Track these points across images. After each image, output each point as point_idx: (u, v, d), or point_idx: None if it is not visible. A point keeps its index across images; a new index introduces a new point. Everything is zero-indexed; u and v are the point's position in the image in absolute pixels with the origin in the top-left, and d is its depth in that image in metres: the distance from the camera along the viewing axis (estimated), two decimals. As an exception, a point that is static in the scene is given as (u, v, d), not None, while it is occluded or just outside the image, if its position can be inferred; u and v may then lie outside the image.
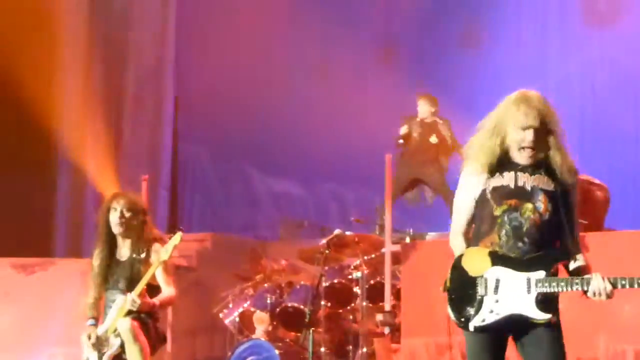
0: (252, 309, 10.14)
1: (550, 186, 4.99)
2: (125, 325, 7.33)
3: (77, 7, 14.14)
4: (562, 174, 4.98)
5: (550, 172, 5.00)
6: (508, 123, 4.96)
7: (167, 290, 7.52)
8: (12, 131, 12.67)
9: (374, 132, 13.02)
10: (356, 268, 10.00)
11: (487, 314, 4.87)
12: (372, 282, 10.01)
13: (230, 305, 10.34)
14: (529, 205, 4.94)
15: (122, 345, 7.42)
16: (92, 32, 14.26)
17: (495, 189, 5.00)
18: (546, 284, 4.84)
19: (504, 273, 4.88)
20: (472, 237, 5.06)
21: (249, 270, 10.69)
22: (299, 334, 9.90)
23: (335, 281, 10.05)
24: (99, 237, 7.74)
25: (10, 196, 12.53)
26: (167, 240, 7.58)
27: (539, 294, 4.84)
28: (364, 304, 9.76)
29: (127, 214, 7.58)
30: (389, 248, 9.62)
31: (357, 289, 9.86)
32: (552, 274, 4.90)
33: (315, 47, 14.75)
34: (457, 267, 4.96)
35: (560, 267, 5.02)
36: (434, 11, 14.81)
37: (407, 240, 10.37)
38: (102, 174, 12.90)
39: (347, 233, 9.93)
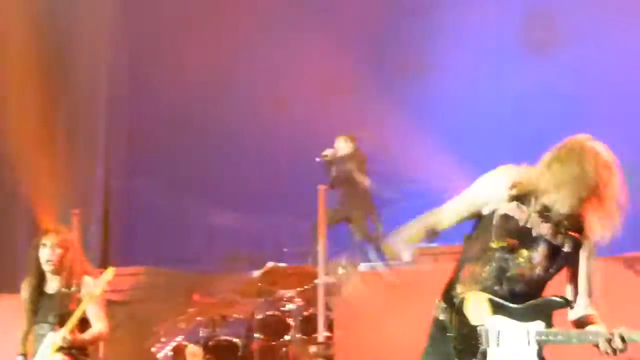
0: (185, 343, 10.09)
1: (557, 240, 4.68)
2: (55, 363, 7.27)
3: (18, 29, 14.00)
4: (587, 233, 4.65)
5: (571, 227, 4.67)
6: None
7: (98, 326, 7.47)
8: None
9: (307, 161, 13.07)
10: (290, 300, 10.00)
11: None
12: (305, 313, 10.00)
13: (163, 340, 10.27)
14: (524, 253, 4.66)
15: (53, 384, 7.34)
16: (30, 60, 14.10)
17: (505, 217, 4.66)
18: (544, 336, 4.60)
19: (504, 324, 4.66)
20: (463, 256, 4.80)
21: (182, 304, 10.62)
22: (232, 367, 9.88)
23: (269, 313, 10.04)
24: (29, 270, 7.68)
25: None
26: (97, 274, 7.54)
27: (540, 346, 4.61)
28: (298, 335, 9.74)
29: (58, 251, 7.53)
30: (322, 279, 9.61)
31: (290, 321, 9.84)
32: (551, 324, 4.65)
33: (260, 71, 14.74)
34: (460, 312, 4.70)
35: None
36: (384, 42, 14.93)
37: (340, 271, 10.35)
38: (32, 209, 12.77)
39: (281, 265, 9.94)
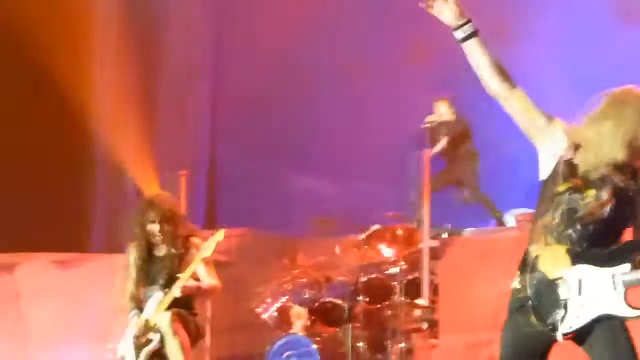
0: (290, 304, 10.17)
1: (624, 182, 4.61)
2: (165, 319, 7.40)
3: (113, 5, 14.24)
4: None
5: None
6: None
7: (212, 282, 7.58)
8: (51, 128, 12.76)
9: (408, 127, 13.04)
10: (394, 263, 10.00)
11: (574, 320, 4.52)
12: (409, 277, 10.00)
13: (269, 300, 10.36)
14: (593, 192, 4.57)
15: (161, 340, 7.47)
16: (127, 31, 14.34)
17: (568, 163, 4.62)
18: (633, 278, 4.48)
19: (586, 271, 4.53)
20: (534, 215, 4.74)
21: (286, 265, 10.70)
22: (337, 329, 9.92)
23: (373, 276, 10.05)
24: (134, 235, 7.80)
25: (48, 192, 12.61)
26: (203, 235, 7.66)
27: (626, 289, 4.49)
28: (402, 299, 9.74)
29: (161, 222, 7.65)
30: (426, 243, 9.62)
31: (395, 284, 9.84)
32: (637, 265, 4.52)
33: (352, 43, 14.74)
34: (535, 269, 4.59)
35: None
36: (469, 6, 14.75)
37: (445, 235, 10.34)
38: (140, 171, 12.97)
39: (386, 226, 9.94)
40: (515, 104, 4.80)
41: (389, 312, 9.96)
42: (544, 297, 4.56)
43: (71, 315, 10.56)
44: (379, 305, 10.02)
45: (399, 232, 10.36)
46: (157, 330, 7.50)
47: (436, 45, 14.51)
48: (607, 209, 4.56)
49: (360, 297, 9.74)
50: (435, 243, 9.67)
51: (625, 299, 4.49)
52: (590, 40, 14.03)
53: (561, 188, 4.60)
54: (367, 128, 14.10)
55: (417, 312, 9.71)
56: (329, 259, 10.57)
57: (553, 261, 4.57)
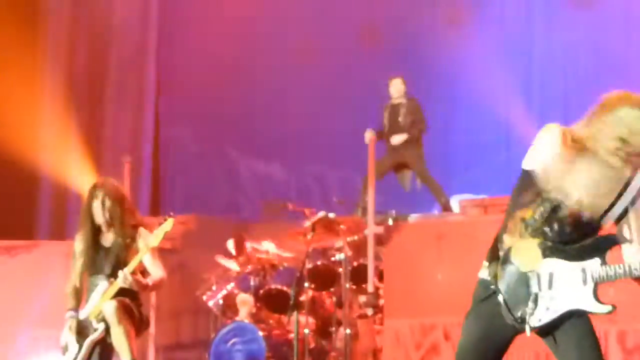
0: (236, 291, 10.17)
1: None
2: (110, 308, 7.35)
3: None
4: None
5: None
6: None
7: (158, 273, 7.56)
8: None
9: (356, 112, 13.05)
10: (339, 250, 10.03)
11: (544, 313, 4.55)
12: (355, 264, 10.04)
13: (214, 287, 10.35)
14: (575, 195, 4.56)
15: (106, 329, 7.43)
16: (74, 16, 14.24)
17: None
18: (603, 273, 4.52)
19: (557, 265, 4.56)
20: (512, 203, 4.72)
21: (232, 252, 10.68)
22: (282, 316, 9.94)
23: (319, 263, 10.09)
24: (82, 223, 7.75)
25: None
26: (151, 225, 7.61)
27: (596, 284, 4.53)
28: (347, 285, 9.78)
29: (109, 203, 7.60)
30: (371, 230, 9.63)
31: (340, 271, 9.88)
32: (606, 261, 4.56)
33: (298, 30, 14.72)
34: (507, 261, 4.61)
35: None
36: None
37: (390, 222, 10.38)
38: (84, 158, 12.89)
39: (331, 215, 9.94)
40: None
41: (334, 298, 10.03)
42: (515, 290, 4.57)
43: (17, 302, 10.48)
44: (324, 292, 10.07)
45: (345, 218, 10.38)
46: (102, 319, 7.45)
47: (387, 28, 14.66)
48: (586, 214, 4.57)
49: (306, 284, 9.76)
50: (380, 229, 9.68)
51: (595, 294, 4.53)
52: (543, 23, 14.16)
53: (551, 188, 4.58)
54: (317, 112, 14.11)
55: (362, 299, 9.76)
56: (276, 245, 10.56)
57: (526, 254, 4.60)
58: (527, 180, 4.66)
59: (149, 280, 7.52)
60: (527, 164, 4.67)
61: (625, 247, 4.66)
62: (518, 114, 13.08)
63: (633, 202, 4.64)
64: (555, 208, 4.57)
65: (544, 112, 12.83)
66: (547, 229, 4.59)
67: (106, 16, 14.60)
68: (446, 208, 11.67)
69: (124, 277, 7.32)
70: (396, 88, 12.10)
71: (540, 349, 4.86)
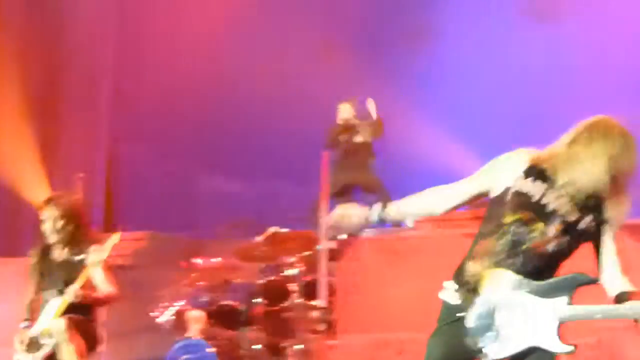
0: (187, 308, 10.13)
1: (574, 217, 4.62)
2: (59, 325, 7.32)
3: (12, 5, 14.05)
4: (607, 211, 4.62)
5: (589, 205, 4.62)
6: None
7: (107, 288, 7.54)
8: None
9: (312, 128, 13.07)
10: (292, 265, 10.02)
11: (506, 344, 4.53)
12: (307, 279, 10.04)
13: (166, 304, 10.30)
14: (540, 226, 4.58)
15: (56, 346, 7.40)
16: (29, 31, 14.17)
17: (519, 194, 4.61)
18: (568, 313, 4.51)
19: (524, 299, 4.54)
20: (478, 234, 4.72)
21: (184, 269, 10.64)
22: (235, 332, 9.92)
23: (271, 278, 10.07)
24: (37, 238, 7.76)
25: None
26: (103, 239, 7.60)
27: (559, 323, 4.51)
28: (300, 301, 9.78)
29: (60, 220, 7.58)
30: (324, 245, 9.65)
31: (292, 286, 9.87)
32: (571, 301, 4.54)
33: (257, 46, 14.74)
34: (474, 289, 4.60)
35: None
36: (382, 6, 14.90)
37: (343, 236, 10.38)
38: (38, 173, 12.82)
39: (283, 230, 9.95)
40: (456, 202, 4.80)
41: (287, 313, 10.01)
42: (479, 320, 4.56)
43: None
44: (276, 307, 10.05)
45: (298, 233, 10.39)
46: (52, 336, 7.42)
47: (343, 45, 14.71)
48: (552, 244, 4.58)
49: (259, 299, 9.74)
50: (332, 244, 9.70)
51: (558, 333, 4.50)
52: (501, 38, 14.24)
53: (509, 219, 4.59)
54: (275, 128, 14.10)
55: (315, 314, 9.74)
56: (228, 261, 10.54)
57: (494, 284, 4.56)
58: (489, 210, 4.70)
59: (99, 294, 7.49)
60: (493, 190, 4.69)
61: (602, 281, 4.68)
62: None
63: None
64: (517, 241, 4.57)
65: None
66: (511, 261, 4.58)
67: (62, 31, 14.54)
68: (398, 223, 11.69)
69: (73, 293, 7.30)
70: (347, 110, 12.30)
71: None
